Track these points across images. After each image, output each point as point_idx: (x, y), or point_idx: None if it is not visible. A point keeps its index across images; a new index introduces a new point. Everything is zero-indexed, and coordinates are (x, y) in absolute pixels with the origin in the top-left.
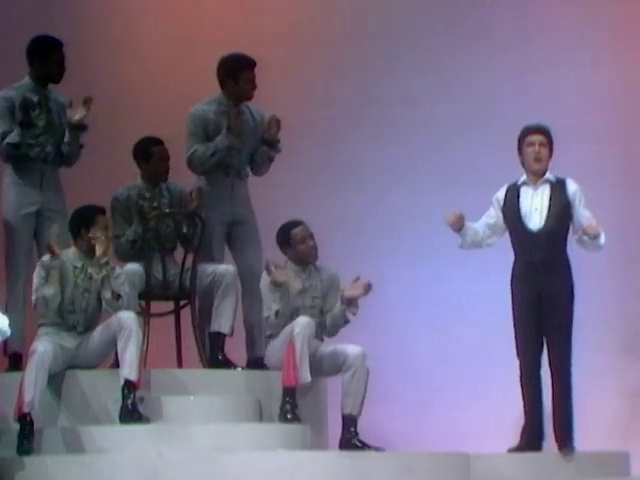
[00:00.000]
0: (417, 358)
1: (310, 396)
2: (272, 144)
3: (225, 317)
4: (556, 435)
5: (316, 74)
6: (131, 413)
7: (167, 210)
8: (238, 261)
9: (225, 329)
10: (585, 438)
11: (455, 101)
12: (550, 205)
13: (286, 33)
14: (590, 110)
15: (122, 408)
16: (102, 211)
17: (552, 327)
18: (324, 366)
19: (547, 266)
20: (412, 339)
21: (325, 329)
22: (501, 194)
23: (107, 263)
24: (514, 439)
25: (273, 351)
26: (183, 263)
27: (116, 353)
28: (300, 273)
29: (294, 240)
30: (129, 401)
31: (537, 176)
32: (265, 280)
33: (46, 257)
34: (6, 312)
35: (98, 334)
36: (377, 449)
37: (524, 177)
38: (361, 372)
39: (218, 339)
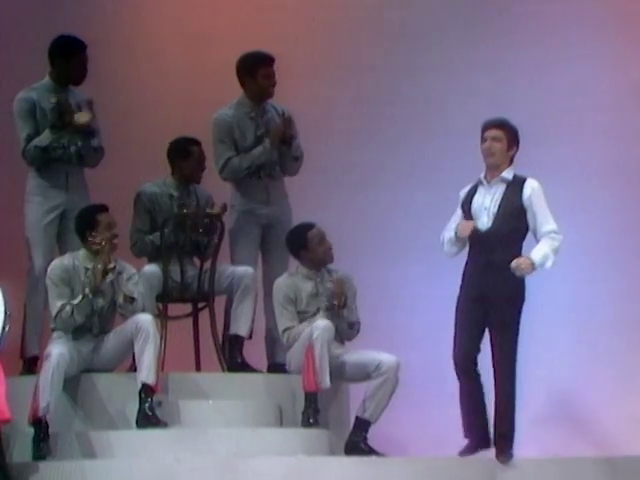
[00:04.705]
0: (439, 361)
1: (332, 401)
2: (288, 143)
3: (243, 320)
4: (495, 441)
5: (335, 73)
6: (148, 418)
7: (185, 210)
8: (265, 263)
9: (243, 332)
10: (623, 443)
11: (476, 98)
12: (500, 205)
13: (306, 31)
14: (609, 106)
15: (139, 412)
16: (104, 209)
17: (494, 330)
18: (349, 371)
19: (492, 268)
20: (436, 341)
21: (344, 333)
22: (463, 192)
23: (113, 268)
24: (538, 442)
25: (293, 355)
26: (201, 265)
27: (133, 356)
28: (312, 276)
29: (312, 242)
30: (146, 405)
31: (493, 171)
32: (280, 288)
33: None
34: (24, 315)
35: (114, 337)
36: (383, 455)
37: (482, 174)
38: (392, 382)
39: (237, 342)
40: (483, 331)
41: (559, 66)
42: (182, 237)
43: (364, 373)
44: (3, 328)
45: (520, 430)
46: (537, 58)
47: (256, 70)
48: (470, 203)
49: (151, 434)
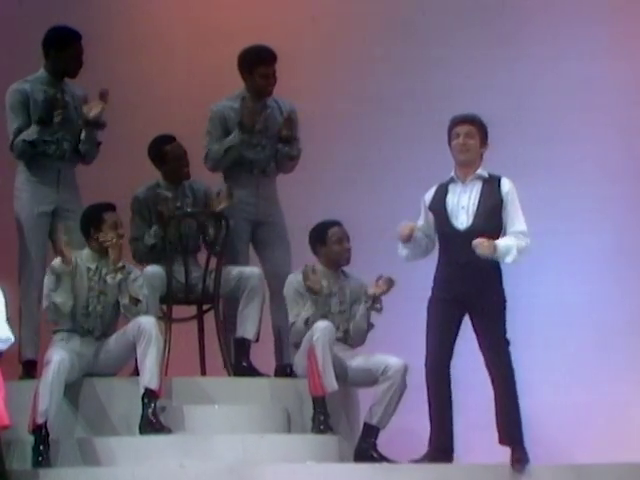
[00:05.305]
0: (452, 365)
1: (341, 406)
2: (287, 141)
3: (250, 322)
4: (500, 439)
5: (347, 68)
6: (152, 423)
7: (189, 210)
8: (264, 263)
9: (250, 335)
10: None
11: (486, 95)
12: (479, 203)
13: (314, 25)
14: (623, 104)
15: (142, 418)
16: (110, 208)
17: (483, 329)
18: (356, 376)
19: (473, 268)
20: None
21: (350, 338)
22: (429, 194)
23: (122, 267)
24: (552, 447)
25: (299, 359)
26: (207, 265)
27: (136, 360)
28: (328, 276)
29: (330, 239)
30: (150, 411)
31: (466, 169)
32: (291, 284)
33: (56, 261)
34: (20, 316)
35: (116, 340)
36: (393, 462)
37: (452, 173)
38: (399, 386)
39: (243, 345)
40: (457, 334)
41: (572, 62)
42: (185, 238)
43: (372, 377)
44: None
45: (538, 435)
46: (550, 54)
47: (254, 69)
48: (444, 203)
49: (154, 440)
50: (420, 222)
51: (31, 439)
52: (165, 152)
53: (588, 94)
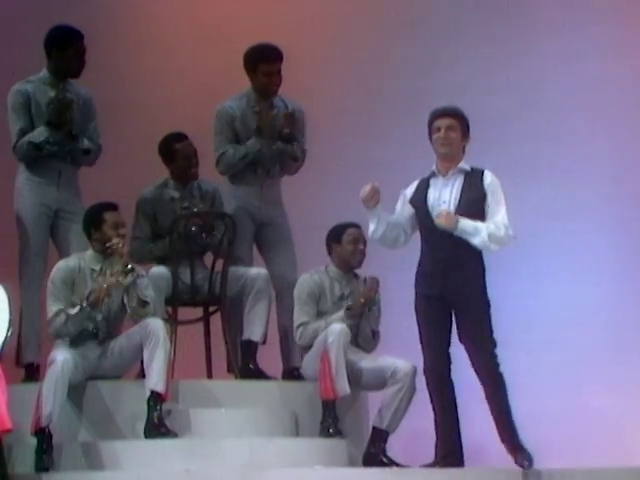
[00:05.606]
0: (459, 367)
1: (350, 410)
2: (287, 140)
3: (257, 324)
4: (508, 449)
5: (348, 68)
6: (157, 427)
7: (195, 209)
8: (268, 265)
9: (257, 337)
10: None
11: (501, 91)
12: (461, 197)
13: (325, 21)
14: (633, 102)
15: (148, 422)
16: (112, 207)
17: (467, 330)
18: (365, 378)
19: (454, 264)
20: (458, 346)
21: (360, 346)
22: (410, 189)
23: (132, 269)
24: (566, 452)
25: (309, 362)
26: (213, 266)
27: (141, 362)
28: (340, 278)
29: (346, 238)
30: (155, 414)
31: (447, 163)
32: (303, 284)
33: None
34: (20, 317)
35: (122, 342)
36: (403, 466)
37: (434, 167)
38: (408, 390)
39: (250, 348)
40: (450, 331)
41: (577, 61)
42: (192, 239)
43: (381, 380)
44: (6, 332)
45: (549, 438)
46: (554, 53)
47: (257, 67)
48: (425, 198)
49: (160, 444)
50: (397, 217)
51: (34, 442)
52: (175, 150)
53: (593, 93)
